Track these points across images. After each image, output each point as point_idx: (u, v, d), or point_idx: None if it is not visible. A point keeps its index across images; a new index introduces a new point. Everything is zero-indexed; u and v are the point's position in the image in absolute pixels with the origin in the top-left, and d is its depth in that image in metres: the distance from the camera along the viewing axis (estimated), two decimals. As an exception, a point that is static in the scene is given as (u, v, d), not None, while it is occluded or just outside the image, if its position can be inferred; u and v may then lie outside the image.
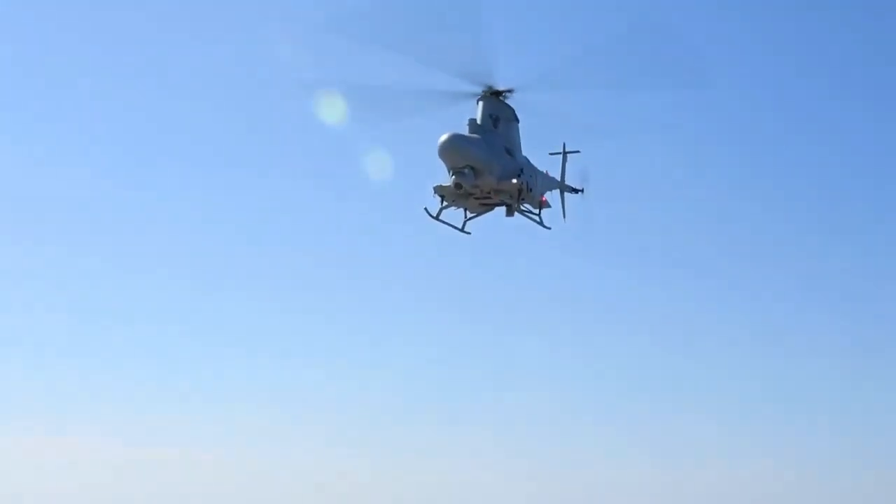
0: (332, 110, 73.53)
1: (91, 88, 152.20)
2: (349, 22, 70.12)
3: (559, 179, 79.92)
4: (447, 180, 70.49)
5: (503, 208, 73.96)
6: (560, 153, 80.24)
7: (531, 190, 72.76)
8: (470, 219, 73.84)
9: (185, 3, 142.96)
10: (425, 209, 71.78)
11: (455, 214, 73.52)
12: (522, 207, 73.78)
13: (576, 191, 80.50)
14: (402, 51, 69.01)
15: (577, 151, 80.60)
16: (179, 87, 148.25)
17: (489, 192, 71.00)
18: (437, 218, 72.08)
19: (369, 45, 69.87)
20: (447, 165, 69.40)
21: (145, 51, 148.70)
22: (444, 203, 71.90)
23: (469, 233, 74.21)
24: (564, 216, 80.00)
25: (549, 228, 75.77)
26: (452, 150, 68.49)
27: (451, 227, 73.04)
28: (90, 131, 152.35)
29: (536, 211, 74.60)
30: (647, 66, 75.07)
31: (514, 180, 70.83)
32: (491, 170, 69.83)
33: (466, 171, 68.92)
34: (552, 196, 79.07)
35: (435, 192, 71.39)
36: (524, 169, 72.92)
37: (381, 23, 70.13)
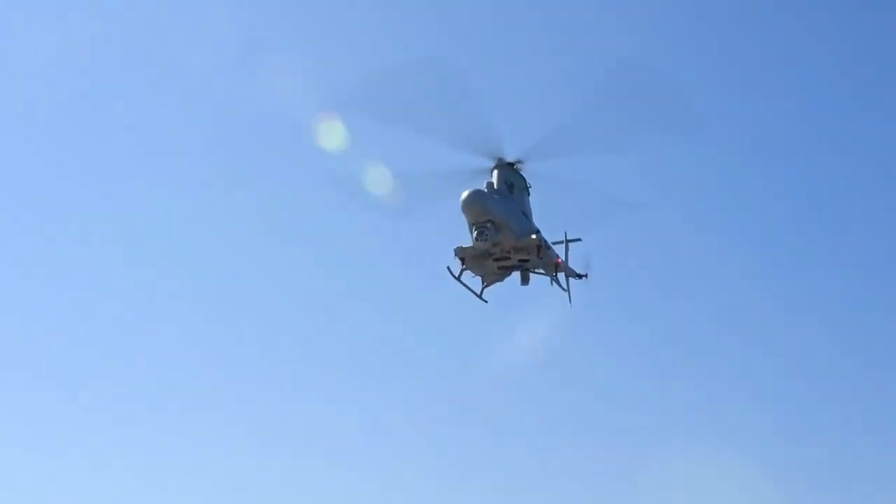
0: (332, 136, 76.22)
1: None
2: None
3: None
4: (467, 242, 73.32)
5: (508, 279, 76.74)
6: (562, 242, 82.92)
7: (549, 248, 75.38)
8: (486, 286, 75.95)
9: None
10: (448, 268, 73.88)
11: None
12: (539, 271, 76.33)
13: (580, 276, 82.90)
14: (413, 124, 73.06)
15: (579, 240, 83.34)
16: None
17: (509, 251, 73.43)
18: (458, 279, 74.09)
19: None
20: (469, 220, 72.06)
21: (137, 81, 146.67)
22: (464, 266, 74.13)
23: (486, 301, 76.20)
24: (570, 302, 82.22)
25: (566, 290, 78.12)
26: (475, 204, 71.31)
27: (470, 292, 75.08)
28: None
29: (553, 274, 77.06)
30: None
31: (533, 236, 73.59)
32: (510, 227, 72.65)
33: (488, 225, 71.56)
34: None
35: (455, 255, 73.78)
36: (539, 231, 75.86)
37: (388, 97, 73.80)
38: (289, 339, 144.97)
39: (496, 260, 74.01)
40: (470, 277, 75.28)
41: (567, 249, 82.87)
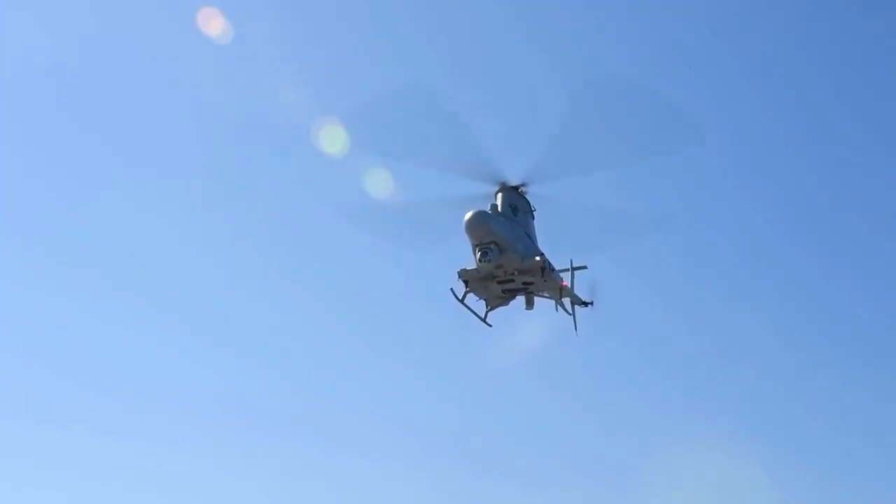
0: (333, 141, 75.89)
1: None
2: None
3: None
4: (471, 265, 72.54)
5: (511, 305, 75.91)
6: (568, 270, 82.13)
7: (553, 271, 74.54)
8: (490, 310, 75.10)
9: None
10: (451, 290, 73.02)
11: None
12: (544, 295, 75.55)
13: (586, 304, 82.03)
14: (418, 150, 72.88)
15: (585, 267, 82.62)
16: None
17: (512, 273, 72.60)
18: (462, 302, 73.24)
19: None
20: (472, 241, 71.30)
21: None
22: (468, 289, 73.29)
23: (491, 325, 75.35)
24: (576, 329, 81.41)
25: (571, 315, 77.31)
26: (478, 225, 70.61)
27: (474, 315, 74.22)
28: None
29: (558, 298, 76.30)
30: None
31: (538, 258, 72.81)
32: (514, 248, 71.90)
33: (492, 247, 70.81)
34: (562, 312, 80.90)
35: (459, 277, 72.96)
36: (543, 254, 75.10)
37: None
38: (283, 349, 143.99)
39: (500, 283, 73.18)
40: (474, 301, 74.57)
41: (573, 276, 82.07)
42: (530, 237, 74.71)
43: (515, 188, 75.13)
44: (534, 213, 75.83)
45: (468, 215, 70.87)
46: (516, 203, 74.66)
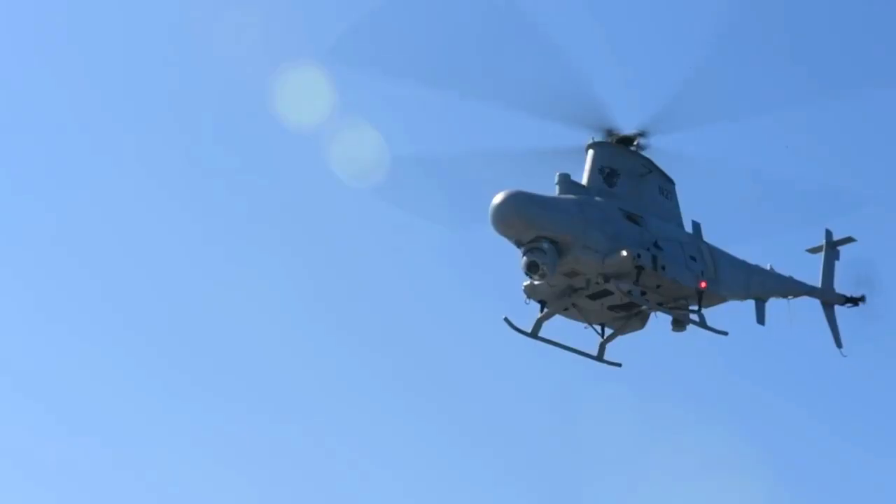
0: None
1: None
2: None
3: (819, 286, 51.62)
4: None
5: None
6: (819, 248, 52.27)
7: (664, 267, 44.86)
8: (608, 341, 47.28)
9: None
10: (505, 319, 46.58)
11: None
12: (660, 310, 46.10)
13: (852, 301, 51.37)
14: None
15: (852, 240, 52.26)
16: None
17: (598, 280, 44.76)
18: (534, 335, 46.53)
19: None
20: (511, 241, 44.68)
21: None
22: (546, 311, 46.41)
23: (619, 364, 47.53)
24: (841, 346, 51.25)
25: (715, 331, 46.32)
26: (509, 215, 43.66)
27: (568, 351, 47.15)
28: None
29: (696, 307, 46.17)
30: None
31: (624, 252, 43.91)
32: (587, 241, 43.95)
33: (544, 245, 43.55)
34: (807, 310, 50.98)
35: (527, 296, 46.42)
36: (659, 242, 45.54)
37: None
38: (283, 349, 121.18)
39: (593, 297, 45.59)
40: (583, 328, 47.42)
41: (831, 257, 52.42)
42: (635, 217, 45.76)
43: (622, 141, 47.01)
44: (650, 175, 46.95)
45: (495, 201, 44.24)
46: (616, 165, 46.61)
